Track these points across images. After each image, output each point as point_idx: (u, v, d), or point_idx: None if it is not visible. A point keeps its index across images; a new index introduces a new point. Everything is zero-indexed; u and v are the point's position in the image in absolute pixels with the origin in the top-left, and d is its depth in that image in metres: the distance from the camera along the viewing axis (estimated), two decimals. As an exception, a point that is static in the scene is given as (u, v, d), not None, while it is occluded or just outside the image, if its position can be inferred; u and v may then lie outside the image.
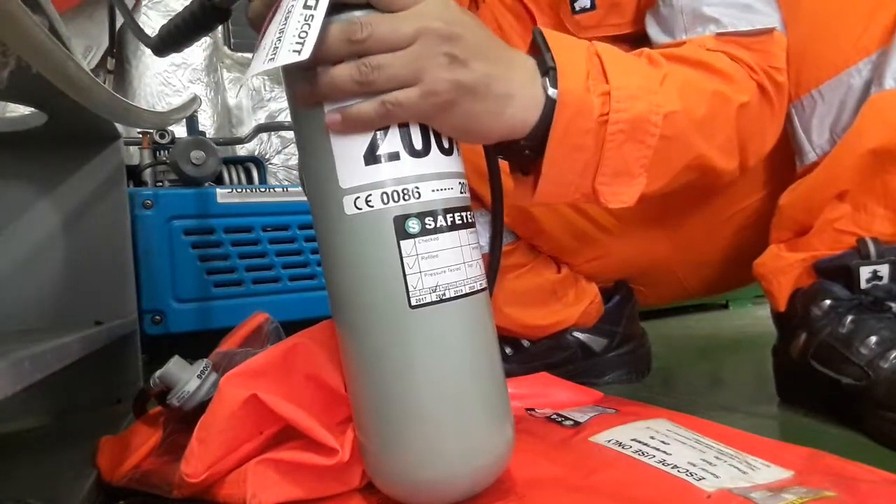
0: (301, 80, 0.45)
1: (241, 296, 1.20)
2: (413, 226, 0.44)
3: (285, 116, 1.91)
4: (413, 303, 0.44)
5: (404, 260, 0.44)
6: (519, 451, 0.50)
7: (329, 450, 0.50)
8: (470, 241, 0.47)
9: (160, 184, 1.29)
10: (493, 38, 0.51)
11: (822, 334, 0.66)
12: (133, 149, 1.41)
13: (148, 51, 1.72)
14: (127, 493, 0.55)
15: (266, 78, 1.94)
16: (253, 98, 1.97)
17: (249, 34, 0.48)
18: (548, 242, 0.87)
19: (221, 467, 0.51)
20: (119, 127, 0.90)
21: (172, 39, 0.61)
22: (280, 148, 1.94)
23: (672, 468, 0.51)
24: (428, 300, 0.44)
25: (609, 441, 0.57)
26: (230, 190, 1.21)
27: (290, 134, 1.89)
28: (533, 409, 0.71)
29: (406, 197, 0.44)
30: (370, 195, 0.44)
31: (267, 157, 1.92)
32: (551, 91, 0.50)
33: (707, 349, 1.22)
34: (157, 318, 1.13)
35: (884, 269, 0.64)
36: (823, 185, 0.67)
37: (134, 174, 1.28)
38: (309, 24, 0.41)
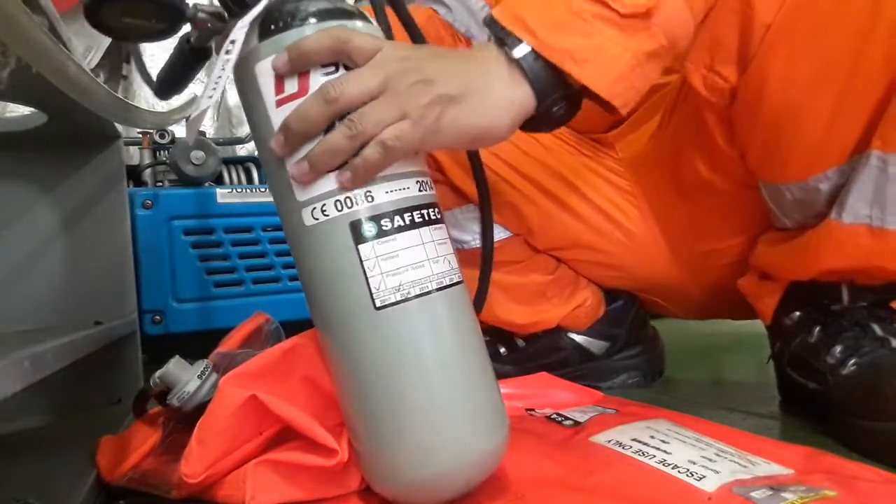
0: (299, 164, 0.46)
1: (241, 296, 1.20)
2: (369, 229, 0.45)
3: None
4: (378, 304, 0.45)
5: (364, 263, 0.45)
6: (519, 451, 0.50)
7: (329, 450, 0.50)
8: (434, 237, 0.47)
9: (160, 184, 1.28)
10: (445, 51, 0.53)
11: (793, 343, 0.69)
12: (133, 149, 1.41)
13: (148, 51, 1.73)
14: (127, 493, 0.55)
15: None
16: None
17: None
18: (540, 240, 0.87)
19: (220, 468, 0.51)
20: (119, 127, 0.90)
21: (169, 84, 0.67)
22: (280, 148, 1.93)
23: (672, 468, 0.51)
24: (392, 300, 0.45)
25: (609, 441, 0.57)
26: (230, 190, 1.21)
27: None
28: (533, 409, 0.71)
29: (358, 202, 0.45)
30: (324, 204, 0.46)
31: (267, 157, 1.91)
32: (516, 51, 0.48)
33: (707, 349, 1.22)
34: (157, 318, 1.13)
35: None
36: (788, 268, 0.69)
37: (134, 174, 1.28)
38: (223, 69, 0.45)
